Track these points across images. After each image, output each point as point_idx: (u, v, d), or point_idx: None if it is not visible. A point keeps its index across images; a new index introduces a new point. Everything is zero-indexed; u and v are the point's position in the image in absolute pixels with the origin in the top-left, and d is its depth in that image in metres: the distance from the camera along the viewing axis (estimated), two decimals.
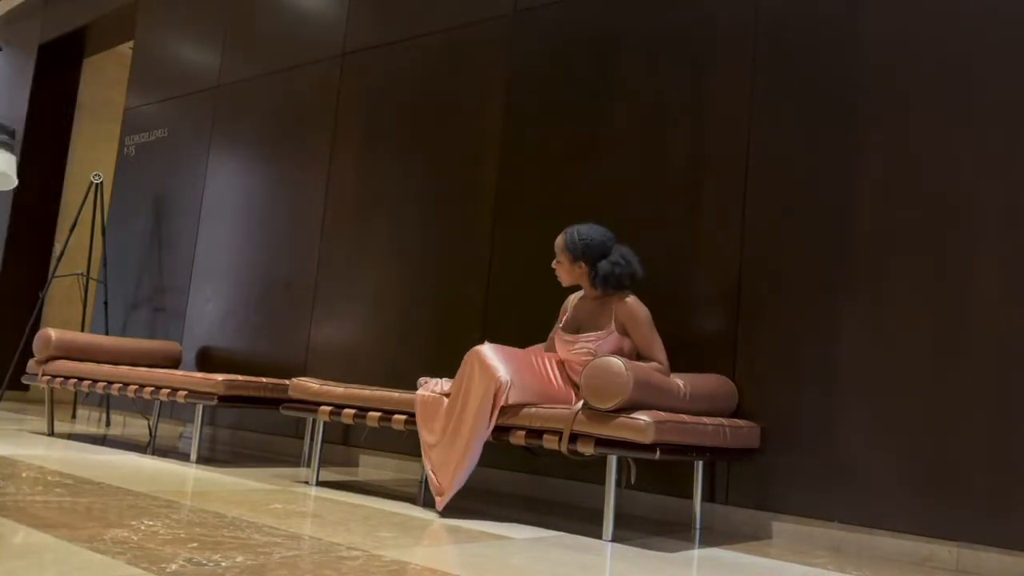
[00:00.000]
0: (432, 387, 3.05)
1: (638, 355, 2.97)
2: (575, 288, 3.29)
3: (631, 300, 2.99)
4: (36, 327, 6.11)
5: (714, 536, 2.91)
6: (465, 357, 2.88)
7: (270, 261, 4.95)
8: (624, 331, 2.97)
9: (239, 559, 1.87)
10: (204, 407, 3.86)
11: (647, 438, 2.49)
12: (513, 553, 2.26)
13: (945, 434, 2.66)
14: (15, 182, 2.19)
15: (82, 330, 6.19)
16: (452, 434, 2.86)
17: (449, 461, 2.85)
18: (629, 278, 2.99)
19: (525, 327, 3.69)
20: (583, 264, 3.01)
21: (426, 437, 2.94)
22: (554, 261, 3.11)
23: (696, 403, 2.81)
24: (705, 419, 2.75)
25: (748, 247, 3.16)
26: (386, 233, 4.39)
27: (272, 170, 5.08)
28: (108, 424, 5.67)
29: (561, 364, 3.05)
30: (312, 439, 3.50)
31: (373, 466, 4.14)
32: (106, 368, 4.28)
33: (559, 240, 3.07)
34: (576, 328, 3.07)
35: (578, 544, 2.50)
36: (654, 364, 2.87)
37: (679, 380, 2.82)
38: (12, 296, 7.14)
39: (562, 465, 3.42)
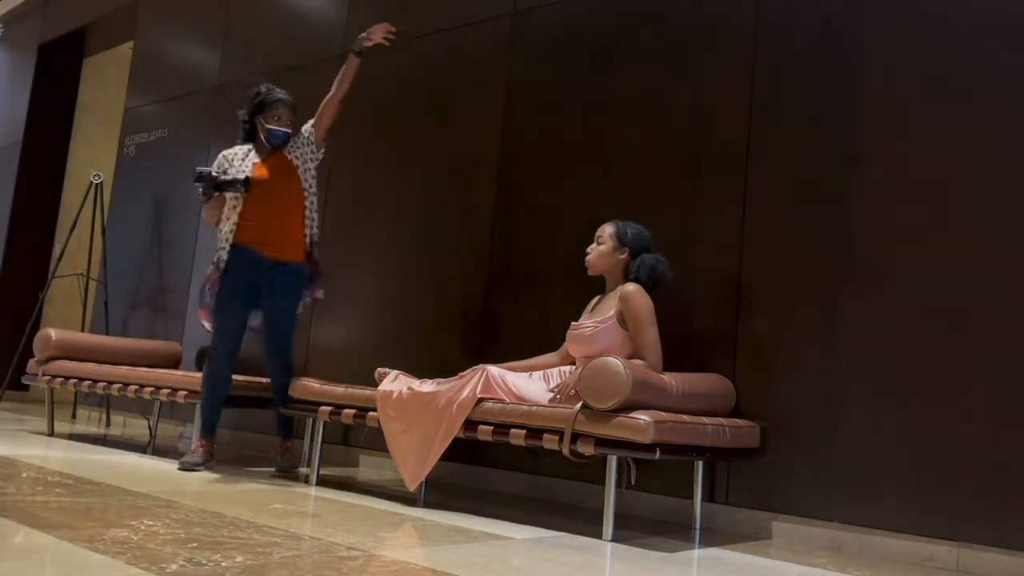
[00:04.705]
0: (402, 380, 3.15)
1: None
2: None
3: (633, 288, 2.97)
4: (36, 327, 6.10)
5: (714, 536, 2.91)
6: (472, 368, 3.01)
7: None
8: (622, 318, 2.97)
9: (239, 559, 1.87)
10: None
11: (647, 438, 2.49)
12: (513, 553, 2.26)
13: (945, 434, 2.66)
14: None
15: (82, 330, 6.19)
16: (430, 423, 2.94)
17: (427, 449, 2.95)
18: (663, 278, 3.05)
19: (525, 327, 3.69)
20: (627, 252, 3.06)
21: (393, 427, 3.05)
22: (592, 245, 3.13)
23: (689, 401, 2.80)
24: (705, 419, 2.75)
25: (748, 246, 3.16)
26: (386, 233, 4.39)
27: None
28: (108, 424, 5.68)
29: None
30: (312, 439, 3.51)
31: (373, 466, 4.14)
32: (106, 368, 4.28)
33: (608, 226, 3.11)
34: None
35: (578, 544, 2.50)
36: (637, 362, 2.77)
37: (671, 378, 2.80)
38: (12, 296, 7.14)
39: (562, 465, 3.42)
